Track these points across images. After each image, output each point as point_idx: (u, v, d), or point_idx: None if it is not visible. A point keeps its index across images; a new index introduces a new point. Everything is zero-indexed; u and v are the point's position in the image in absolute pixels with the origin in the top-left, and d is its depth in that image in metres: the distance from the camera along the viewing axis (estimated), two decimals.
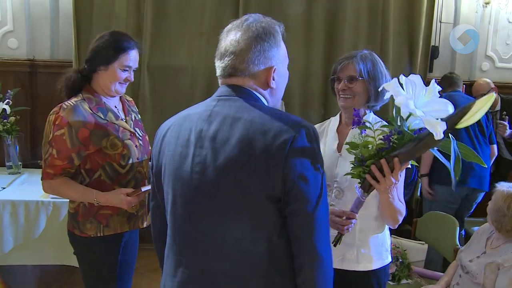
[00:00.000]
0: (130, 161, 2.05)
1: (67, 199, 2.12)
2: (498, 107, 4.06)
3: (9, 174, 3.45)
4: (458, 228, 2.78)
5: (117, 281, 2.12)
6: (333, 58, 4.05)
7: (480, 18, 4.20)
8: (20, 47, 3.81)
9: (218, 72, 1.39)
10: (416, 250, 2.90)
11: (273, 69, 1.36)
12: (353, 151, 1.57)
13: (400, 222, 1.79)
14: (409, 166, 1.63)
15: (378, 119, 1.80)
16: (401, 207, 1.74)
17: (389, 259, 1.91)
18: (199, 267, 1.31)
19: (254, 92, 1.35)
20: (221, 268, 1.29)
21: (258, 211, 1.23)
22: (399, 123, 1.47)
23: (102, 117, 2.03)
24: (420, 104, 1.43)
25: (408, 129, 1.47)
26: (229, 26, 1.41)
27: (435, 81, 1.46)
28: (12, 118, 3.45)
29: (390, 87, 1.44)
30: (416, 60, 4.11)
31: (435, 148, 1.47)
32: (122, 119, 2.11)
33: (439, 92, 1.43)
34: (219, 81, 1.41)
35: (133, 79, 2.11)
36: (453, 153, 1.40)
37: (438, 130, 1.34)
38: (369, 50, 1.92)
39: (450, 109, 1.41)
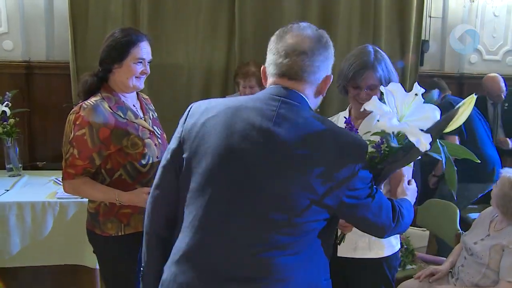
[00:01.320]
0: (151, 160, 2.05)
1: (88, 198, 2.11)
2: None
3: (9, 176, 3.43)
4: (458, 214, 2.87)
5: (136, 280, 2.12)
6: None
7: (468, 12, 4.33)
8: (15, 48, 3.78)
9: (277, 70, 1.36)
10: (418, 236, 3.00)
11: (330, 78, 1.37)
12: None
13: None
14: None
15: None
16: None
17: (399, 246, 2.01)
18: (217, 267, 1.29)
19: (307, 100, 1.35)
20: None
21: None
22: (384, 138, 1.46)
23: (122, 116, 2.03)
24: (406, 113, 1.40)
25: (397, 137, 1.43)
26: (285, 29, 1.41)
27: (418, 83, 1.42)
28: (12, 120, 3.43)
29: (372, 106, 1.39)
30: (407, 54, 4.21)
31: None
32: (141, 118, 2.11)
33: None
34: (272, 79, 1.38)
35: (149, 71, 2.10)
36: (444, 159, 1.39)
37: (422, 143, 1.31)
38: (373, 47, 1.94)
39: (437, 114, 1.38)
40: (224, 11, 4.04)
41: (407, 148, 1.39)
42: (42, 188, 3.17)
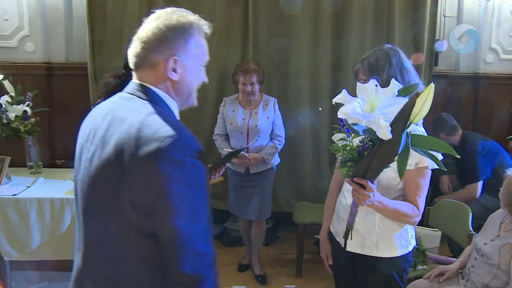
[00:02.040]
0: None
1: None
2: None
3: (30, 174, 3.55)
4: (471, 215, 2.87)
5: None
6: (340, 55, 4.16)
7: (484, 11, 4.29)
8: (36, 50, 3.90)
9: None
10: (430, 237, 2.99)
11: (174, 60, 1.30)
12: (336, 153, 1.66)
13: (412, 222, 1.86)
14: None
15: None
16: (406, 210, 1.81)
17: (411, 248, 1.98)
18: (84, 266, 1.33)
19: (153, 88, 1.32)
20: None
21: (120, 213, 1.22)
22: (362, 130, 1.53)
23: None
24: (380, 108, 1.46)
25: (370, 130, 1.49)
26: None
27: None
28: (33, 119, 3.54)
29: (340, 98, 1.50)
30: (421, 54, 4.19)
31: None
32: None
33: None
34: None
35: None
36: (402, 146, 1.44)
37: (383, 132, 1.40)
38: (383, 47, 1.95)
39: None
40: (238, 13, 4.10)
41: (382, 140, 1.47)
42: (61, 185, 3.27)
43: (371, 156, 1.52)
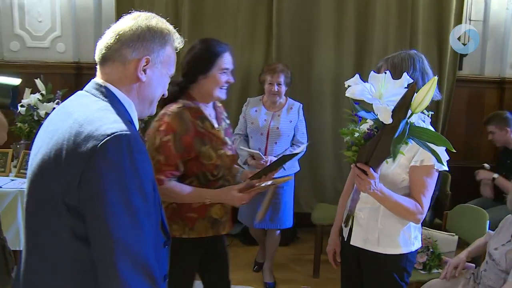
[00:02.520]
0: (221, 172, 2.07)
1: (178, 202, 2.06)
2: None
3: None
4: (488, 220, 2.85)
5: (193, 282, 2.19)
6: (363, 59, 4.18)
7: (511, 15, 4.23)
8: (67, 51, 4.07)
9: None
10: (447, 241, 2.98)
11: (147, 60, 1.26)
12: (343, 136, 1.72)
13: (415, 219, 1.88)
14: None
15: None
16: (408, 204, 1.83)
17: (413, 248, 1.99)
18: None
19: (112, 88, 1.25)
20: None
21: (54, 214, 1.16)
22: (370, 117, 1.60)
23: (201, 125, 2.04)
24: (388, 97, 1.54)
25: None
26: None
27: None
28: None
29: (352, 81, 1.58)
30: (445, 58, 4.19)
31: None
32: (216, 128, 2.11)
33: None
34: None
35: (233, 80, 2.14)
36: (399, 131, 1.51)
37: (384, 115, 1.49)
38: (409, 51, 1.99)
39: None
40: (262, 14, 4.18)
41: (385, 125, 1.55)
42: None
43: (375, 142, 1.58)
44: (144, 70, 1.27)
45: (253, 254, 3.99)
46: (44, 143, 1.20)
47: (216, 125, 2.11)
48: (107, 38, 1.27)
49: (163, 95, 1.37)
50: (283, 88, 3.43)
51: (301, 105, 3.57)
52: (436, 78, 1.51)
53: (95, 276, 1.13)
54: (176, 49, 1.36)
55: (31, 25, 4.08)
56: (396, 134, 1.51)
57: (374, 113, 1.57)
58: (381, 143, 1.56)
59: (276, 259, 3.77)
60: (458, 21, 4.16)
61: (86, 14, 4.11)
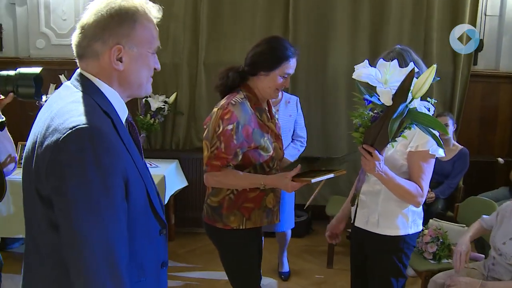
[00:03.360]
0: (275, 163, 2.15)
1: (232, 188, 2.10)
2: None
3: None
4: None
5: (257, 272, 2.26)
6: (378, 55, 4.21)
7: None
8: None
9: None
10: (457, 232, 3.03)
11: (118, 49, 1.21)
12: (352, 118, 1.83)
13: (416, 202, 1.97)
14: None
15: None
16: (410, 187, 1.93)
17: (411, 231, 2.08)
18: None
19: (91, 78, 1.23)
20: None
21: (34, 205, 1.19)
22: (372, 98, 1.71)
23: (259, 117, 2.09)
24: (393, 81, 1.65)
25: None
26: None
27: None
28: None
29: (362, 65, 1.70)
30: (460, 53, 4.22)
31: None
32: (270, 121, 2.17)
33: None
34: None
35: (288, 85, 2.19)
36: (397, 112, 1.61)
37: (385, 98, 1.61)
38: (395, 48, 2.10)
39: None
40: (278, 13, 4.28)
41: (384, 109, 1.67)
42: None
43: (379, 125, 1.69)
44: (120, 59, 1.22)
45: (265, 246, 4.10)
46: (30, 134, 1.23)
47: (269, 118, 2.16)
48: (77, 34, 1.23)
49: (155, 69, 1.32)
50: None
51: (298, 98, 3.55)
52: (435, 66, 1.60)
53: None
54: (156, 19, 1.29)
55: (56, 23, 4.25)
56: (395, 115, 1.61)
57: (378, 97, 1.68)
58: (384, 126, 1.67)
59: (291, 250, 3.87)
60: (474, 16, 4.19)
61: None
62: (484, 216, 2.68)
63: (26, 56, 4.38)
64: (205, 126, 2.12)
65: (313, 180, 1.99)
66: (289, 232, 3.58)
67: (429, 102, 1.74)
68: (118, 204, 1.14)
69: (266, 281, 3.56)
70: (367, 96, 1.72)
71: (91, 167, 1.08)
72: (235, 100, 2.02)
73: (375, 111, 1.76)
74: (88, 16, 1.22)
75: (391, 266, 2.10)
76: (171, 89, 4.35)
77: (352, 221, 2.20)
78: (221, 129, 1.99)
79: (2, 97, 1.95)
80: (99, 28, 1.20)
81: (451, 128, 3.78)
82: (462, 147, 3.80)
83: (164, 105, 4.21)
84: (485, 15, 4.29)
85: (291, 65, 2.08)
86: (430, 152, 1.94)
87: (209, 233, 2.23)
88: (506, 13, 4.29)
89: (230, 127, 1.98)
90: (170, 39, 4.30)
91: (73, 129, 1.09)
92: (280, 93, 3.38)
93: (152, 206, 1.29)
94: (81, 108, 1.15)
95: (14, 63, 4.33)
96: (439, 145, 1.72)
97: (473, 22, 4.19)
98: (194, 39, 4.30)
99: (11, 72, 1.48)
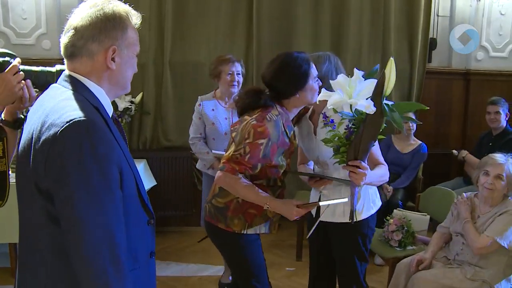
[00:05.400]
0: (286, 177, 2.21)
1: (239, 195, 2.11)
2: None
3: None
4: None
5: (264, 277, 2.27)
6: (339, 54, 4.38)
7: (475, 11, 4.53)
8: (52, 48, 4.14)
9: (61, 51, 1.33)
10: (420, 220, 3.23)
11: (113, 49, 1.29)
12: (328, 145, 1.94)
13: (387, 178, 2.23)
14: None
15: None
16: (381, 172, 2.16)
17: (373, 211, 2.30)
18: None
19: (80, 78, 1.30)
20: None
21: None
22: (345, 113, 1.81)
23: (288, 134, 2.11)
24: (356, 93, 1.75)
25: (355, 112, 1.79)
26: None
27: None
28: None
29: (323, 96, 1.79)
30: (415, 52, 4.47)
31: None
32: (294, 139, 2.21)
33: None
34: None
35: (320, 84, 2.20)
36: (386, 114, 1.73)
37: (366, 106, 1.69)
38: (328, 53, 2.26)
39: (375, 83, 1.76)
40: (242, 13, 4.36)
41: (366, 118, 1.77)
42: None
43: (359, 137, 1.79)
44: (113, 59, 1.30)
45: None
46: (23, 134, 1.29)
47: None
48: (69, 34, 1.29)
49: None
50: (241, 79, 3.26)
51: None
52: (392, 59, 1.72)
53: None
54: (136, 25, 1.37)
55: (16, 23, 4.14)
56: (387, 117, 1.74)
57: (351, 112, 1.77)
58: (365, 134, 1.78)
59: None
60: (427, 17, 4.44)
61: (71, 11, 4.19)
62: (440, 225, 2.88)
63: None
64: (232, 129, 2.16)
65: (322, 203, 2.02)
66: None
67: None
68: (115, 191, 1.20)
69: None
70: (344, 114, 1.80)
71: (89, 157, 1.15)
72: (270, 117, 2.04)
73: (345, 127, 1.85)
74: (80, 18, 1.29)
75: (356, 248, 2.28)
76: (137, 89, 4.33)
77: (313, 216, 2.30)
78: (251, 139, 2.01)
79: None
80: (96, 30, 1.27)
81: (414, 124, 4.04)
82: (421, 142, 4.07)
83: (130, 105, 4.19)
84: (438, 15, 4.55)
85: (314, 67, 2.12)
86: None
87: (209, 232, 2.27)
88: (456, 14, 4.57)
89: (261, 141, 2.00)
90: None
91: (70, 122, 1.15)
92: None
93: (140, 197, 1.36)
94: (74, 103, 1.22)
95: None
96: (399, 127, 1.80)
97: (427, 23, 4.45)
98: (159, 39, 4.31)
99: (52, 69, 1.55)
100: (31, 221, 1.26)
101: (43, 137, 1.17)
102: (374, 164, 2.16)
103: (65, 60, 1.33)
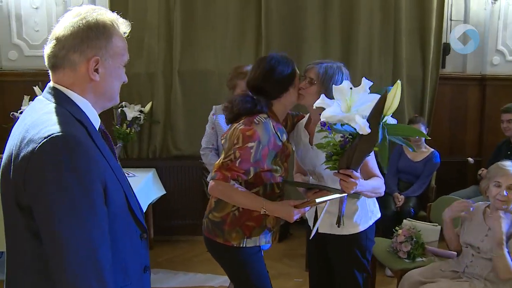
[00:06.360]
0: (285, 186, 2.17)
1: (232, 203, 2.09)
2: None
3: None
4: None
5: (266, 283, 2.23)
6: (349, 58, 4.34)
7: (489, 14, 4.40)
8: None
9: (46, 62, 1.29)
10: (430, 231, 3.13)
11: (96, 60, 1.25)
12: (321, 150, 1.88)
13: (382, 192, 2.13)
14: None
15: None
16: (375, 184, 2.08)
17: (372, 222, 2.25)
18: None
19: (64, 90, 1.26)
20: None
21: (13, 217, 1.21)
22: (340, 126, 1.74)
23: (279, 137, 2.08)
24: (353, 104, 1.67)
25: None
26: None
27: None
28: None
29: (320, 103, 1.71)
30: (428, 57, 4.36)
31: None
32: (288, 141, 2.19)
33: None
34: None
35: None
36: (381, 137, 1.65)
37: (361, 127, 1.61)
38: (337, 63, 2.19)
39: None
40: (251, 21, 4.34)
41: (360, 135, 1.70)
42: None
43: (353, 148, 1.74)
44: (96, 70, 1.25)
45: None
46: (6, 148, 1.25)
47: (287, 137, 2.17)
48: (51, 44, 1.26)
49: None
50: None
51: None
52: (399, 82, 1.65)
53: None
54: (125, 34, 1.33)
55: (28, 35, 4.22)
56: (380, 141, 1.66)
57: (348, 125, 1.70)
58: (359, 147, 1.73)
59: (271, 255, 3.89)
60: (440, 21, 4.33)
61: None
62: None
63: None
64: (222, 137, 2.15)
65: (318, 200, 1.95)
66: None
67: None
68: (98, 207, 1.17)
69: None
70: (338, 128, 1.74)
71: (68, 172, 1.11)
72: (258, 120, 2.03)
73: (341, 136, 1.80)
74: (63, 28, 1.25)
75: (356, 261, 2.23)
76: (146, 98, 4.36)
77: (312, 236, 2.22)
78: (240, 144, 1.98)
79: None
80: (77, 39, 1.23)
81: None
82: (433, 150, 3.96)
83: (140, 115, 4.21)
84: (451, 20, 4.44)
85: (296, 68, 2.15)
86: None
87: (208, 247, 2.24)
88: (470, 18, 4.45)
89: (251, 145, 1.98)
90: (144, 48, 4.32)
91: (48, 137, 1.12)
92: None
93: (131, 211, 1.32)
94: (54, 118, 1.18)
95: None
96: (409, 146, 1.80)
97: (439, 27, 4.34)
98: (168, 48, 4.32)
99: None
100: (15, 236, 1.24)
101: (21, 153, 1.14)
102: (368, 177, 2.11)
103: (49, 72, 1.29)
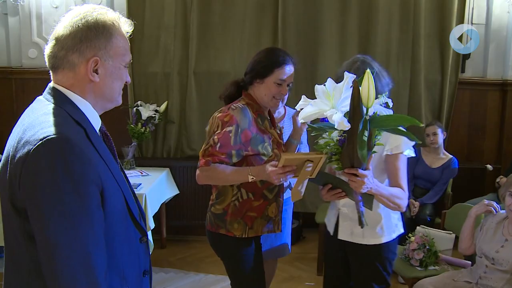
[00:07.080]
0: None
1: (222, 183, 2.12)
2: None
3: None
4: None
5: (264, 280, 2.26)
6: None
7: None
8: None
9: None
10: (444, 239, 3.07)
11: (95, 61, 1.23)
12: (322, 151, 1.83)
13: (403, 205, 2.00)
14: None
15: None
16: (396, 192, 1.97)
17: (394, 236, 2.14)
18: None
19: (64, 91, 1.25)
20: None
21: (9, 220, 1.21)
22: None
23: (260, 123, 2.14)
24: (340, 102, 1.63)
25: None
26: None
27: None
28: None
29: (301, 105, 1.73)
30: (447, 61, 4.27)
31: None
32: (272, 128, 2.21)
33: None
34: None
35: (286, 93, 2.17)
36: (360, 140, 1.62)
37: (340, 123, 1.58)
38: (361, 56, 2.15)
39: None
40: (267, 21, 4.32)
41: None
42: None
43: (351, 144, 1.69)
44: (96, 70, 1.24)
45: None
46: (5, 148, 1.24)
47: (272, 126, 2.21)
48: (51, 44, 1.25)
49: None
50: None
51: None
52: (368, 71, 1.61)
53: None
54: (127, 33, 1.31)
55: (48, 33, 4.21)
56: (360, 143, 1.63)
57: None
58: (347, 143, 1.69)
59: (283, 258, 3.87)
60: (460, 24, 4.24)
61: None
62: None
63: (19, 66, 4.40)
64: (207, 129, 2.18)
65: (287, 157, 1.85)
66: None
67: (380, 97, 1.74)
68: (92, 211, 1.15)
69: None
70: (323, 124, 1.73)
71: (63, 176, 1.10)
72: (235, 106, 2.09)
73: (337, 134, 1.76)
74: (63, 28, 1.24)
75: (376, 274, 2.14)
76: (162, 98, 4.38)
77: (332, 234, 2.21)
78: (219, 129, 2.04)
79: None
80: (77, 40, 1.21)
81: (440, 137, 3.88)
82: (452, 156, 3.88)
83: (155, 114, 4.24)
84: (472, 23, 4.34)
85: (286, 72, 2.12)
86: (404, 154, 2.00)
87: (210, 241, 2.25)
88: (492, 21, 4.34)
89: (229, 129, 2.02)
90: (160, 48, 4.34)
91: (43, 140, 1.11)
92: (282, 109, 2.84)
93: (131, 213, 1.30)
94: (51, 119, 1.17)
95: (6, 72, 4.37)
96: (412, 138, 1.71)
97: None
98: (185, 48, 4.33)
99: None
100: (12, 237, 1.23)
101: (17, 155, 1.14)
102: (392, 185, 2.02)
103: (50, 72, 1.28)
